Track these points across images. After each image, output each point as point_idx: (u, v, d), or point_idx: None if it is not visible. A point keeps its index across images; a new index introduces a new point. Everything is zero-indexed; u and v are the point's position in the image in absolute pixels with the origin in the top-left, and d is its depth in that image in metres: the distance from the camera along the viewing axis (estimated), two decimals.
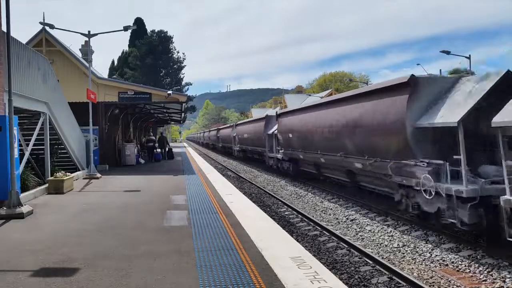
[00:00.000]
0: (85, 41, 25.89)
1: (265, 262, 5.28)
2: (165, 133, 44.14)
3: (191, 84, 62.04)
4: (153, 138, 27.75)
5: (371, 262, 7.87)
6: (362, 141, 11.69)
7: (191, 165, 21.73)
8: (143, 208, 9.33)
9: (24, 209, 8.53)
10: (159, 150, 26.48)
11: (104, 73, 44.15)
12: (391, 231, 10.04)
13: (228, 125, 50.02)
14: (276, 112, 23.73)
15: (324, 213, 12.88)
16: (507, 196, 7.05)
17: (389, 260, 8.09)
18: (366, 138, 11.39)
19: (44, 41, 19.79)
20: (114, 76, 49.15)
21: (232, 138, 38.40)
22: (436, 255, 8.13)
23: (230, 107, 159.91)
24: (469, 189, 7.84)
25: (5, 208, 8.41)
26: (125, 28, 18.17)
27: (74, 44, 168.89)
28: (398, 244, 9.04)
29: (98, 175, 15.75)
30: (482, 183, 7.97)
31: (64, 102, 15.39)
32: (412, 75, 9.61)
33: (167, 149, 26.77)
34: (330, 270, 6.03)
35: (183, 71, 60.28)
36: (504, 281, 6.73)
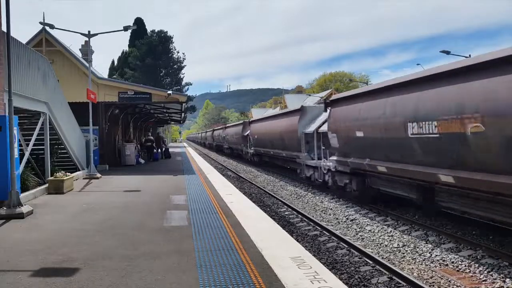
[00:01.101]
0: (85, 41, 25.89)
1: (265, 262, 5.29)
2: (163, 133, 45.02)
3: (191, 84, 62.09)
4: (152, 138, 28.37)
5: (371, 262, 7.87)
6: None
7: (191, 165, 21.73)
8: (143, 208, 9.34)
9: (24, 209, 8.53)
10: (159, 149, 27.46)
11: (104, 73, 44.16)
12: (391, 231, 10.04)
13: (280, 112, 26.14)
14: None
15: (324, 213, 12.88)
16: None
17: (389, 260, 8.09)
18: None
19: (44, 41, 19.79)
20: (114, 76, 49.21)
21: (299, 138, 17.95)
22: (436, 255, 8.13)
23: (230, 107, 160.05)
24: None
25: (5, 208, 8.42)
26: (125, 28, 18.18)
27: (74, 44, 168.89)
28: (398, 244, 9.04)
29: (98, 175, 15.76)
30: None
31: (64, 102, 15.39)
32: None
33: (163, 148, 28.29)
34: (330, 270, 6.03)
35: (183, 71, 60.33)
36: (504, 281, 6.73)
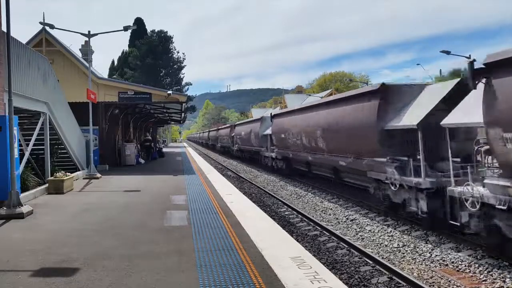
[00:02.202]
0: (85, 41, 25.92)
1: (265, 262, 5.28)
2: (163, 133, 45.42)
3: (191, 84, 62.11)
4: (150, 138, 29.35)
5: (371, 262, 7.87)
6: None
7: (191, 165, 21.73)
8: (143, 208, 9.33)
9: (24, 209, 8.53)
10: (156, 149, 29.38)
11: (104, 73, 44.18)
12: (391, 231, 10.04)
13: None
14: None
15: (324, 213, 12.88)
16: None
17: (389, 260, 8.09)
18: None
19: (44, 41, 19.80)
20: (114, 76, 49.19)
21: None
22: (436, 255, 8.13)
23: (230, 107, 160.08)
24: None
25: (5, 208, 8.41)
26: (125, 28, 18.18)
27: (74, 44, 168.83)
28: (398, 244, 9.03)
29: (98, 175, 15.75)
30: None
31: (64, 102, 15.39)
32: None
33: (156, 148, 30.47)
34: (330, 270, 6.03)
35: (183, 71, 60.36)
36: (504, 281, 6.73)
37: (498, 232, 7.43)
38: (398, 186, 10.56)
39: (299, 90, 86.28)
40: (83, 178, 15.46)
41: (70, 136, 15.47)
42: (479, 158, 8.15)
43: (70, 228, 7.43)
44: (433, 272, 7.35)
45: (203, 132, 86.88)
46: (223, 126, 54.39)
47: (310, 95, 61.37)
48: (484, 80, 7.40)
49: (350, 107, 12.84)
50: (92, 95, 16.02)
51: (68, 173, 12.50)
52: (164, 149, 41.08)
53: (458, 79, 10.09)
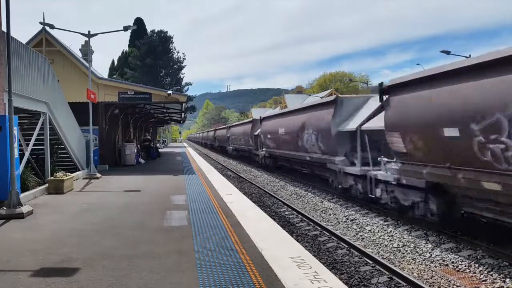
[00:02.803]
0: (85, 41, 25.96)
1: (265, 262, 5.29)
2: (163, 133, 45.80)
3: (191, 84, 62.16)
4: (149, 138, 29.62)
5: (371, 262, 7.86)
6: None
7: (191, 165, 21.74)
8: (143, 208, 9.34)
9: (24, 209, 8.53)
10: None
11: (104, 73, 44.20)
12: (391, 231, 10.04)
13: None
14: None
15: (324, 213, 12.88)
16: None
17: (389, 260, 8.08)
18: None
19: (44, 41, 19.81)
20: (114, 76, 49.21)
21: None
22: (436, 255, 8.13)
23: (230, 107, 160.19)
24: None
25: (5, 208, 8.42)
26: (125, 28, 18.18)
27: (74, 44, 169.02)
28: (398, 244, 9.03)
29: (98, 175, 15.76)
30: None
31: (64, 102, 15.39)
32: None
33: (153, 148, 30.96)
34: (330, 270, 6.03)
35: (183, 71, 60.45)
36: (504, 281, 6.73)
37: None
38: None
39: (299, 90, 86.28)
40: (83, 178, 15.47)
41: (70, 136, 15.48)
42: None
43: (70, 228, 7.43)
44: (433, 272, 7.35)
45: (208, 131, 72.92)
46: (237, 123, 41.35)
47: (310, 95, 61.37)
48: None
49: None
50: (92, 95, 16.03)
51: (68, 173, 12.51)
52: (164, 149, 41.23)
53: None
